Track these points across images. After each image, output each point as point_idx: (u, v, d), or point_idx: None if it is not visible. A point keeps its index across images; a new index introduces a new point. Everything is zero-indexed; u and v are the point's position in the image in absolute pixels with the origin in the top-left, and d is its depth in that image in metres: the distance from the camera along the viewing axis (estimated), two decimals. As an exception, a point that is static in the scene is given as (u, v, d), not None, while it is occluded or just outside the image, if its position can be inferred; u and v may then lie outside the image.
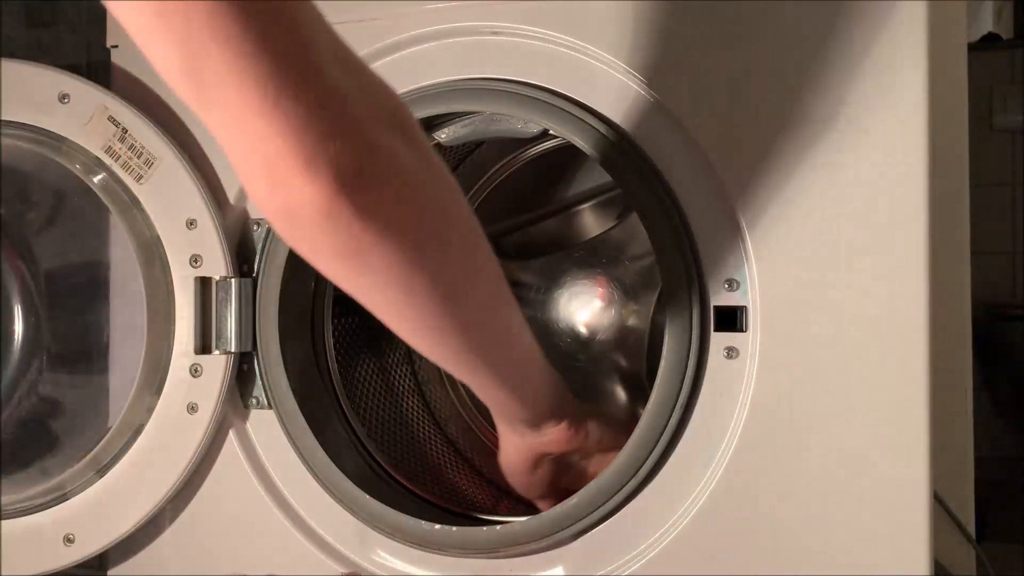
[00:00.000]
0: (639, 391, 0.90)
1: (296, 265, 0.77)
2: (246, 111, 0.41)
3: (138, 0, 0.40)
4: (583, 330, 0.91)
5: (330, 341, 0.84)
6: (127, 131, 0.78)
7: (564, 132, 0.68)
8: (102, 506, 0.79)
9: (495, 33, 0.71)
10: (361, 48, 0.74)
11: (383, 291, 0.50)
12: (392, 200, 0.45)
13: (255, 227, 0.79)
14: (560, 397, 0.67)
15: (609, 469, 0.65)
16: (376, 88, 0.47)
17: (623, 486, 0.65)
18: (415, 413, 0.94)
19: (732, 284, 0.64)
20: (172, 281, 0.79)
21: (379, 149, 0.44)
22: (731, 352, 0.63)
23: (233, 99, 0.41)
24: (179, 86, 0.42)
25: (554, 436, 0.67)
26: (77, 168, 0.80)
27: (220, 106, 0.42)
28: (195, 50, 0.40)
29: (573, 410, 0.68)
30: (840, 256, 0.61)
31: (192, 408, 0.77)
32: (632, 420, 0.69)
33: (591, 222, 0.95)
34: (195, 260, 0.78)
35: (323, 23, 0.45)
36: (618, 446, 0.67)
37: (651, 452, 0.64)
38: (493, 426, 0.98)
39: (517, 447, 0.69)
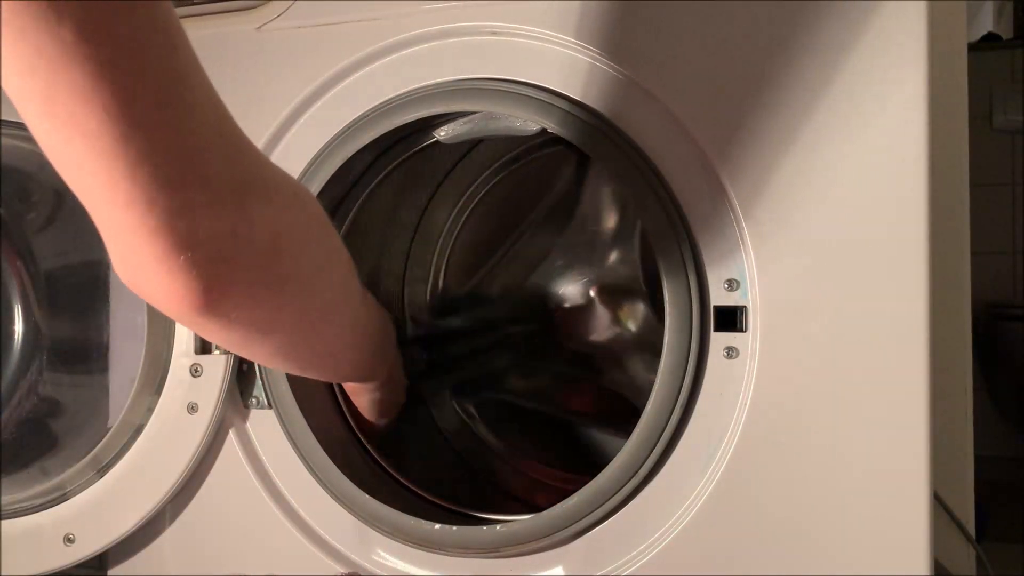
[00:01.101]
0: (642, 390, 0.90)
1: (296, 265, 0.77)
2: (102, 202, 0.40)
3: (10, 63, 0.38)
4: (575, 332, 0.92)
5: (330, 341, 0.84)
6: (127, 131, 0.78)
7: (563, 132, 0.68)
8: (102, 506, 0.79)
9: (495, 33, 0.71)
10: (361, 48, 0.74)
11: (229, 347, 0.55)
12: (239, 308, 0.45)
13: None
14: (367, 378, 0.74)
15: (609, 469, 0.65)
16: (260, 196, 0.44)
17: (623, 486, 0.65)
18: (414, 412, 0.94)
19: (732, 284, 0.64)
20: (172, 281, 0.79)
21: (238, 265, 0.44)
22: (731, 352, 0.63)
23: (93, 189, 0.40)
24: (49, 158, 0.41)
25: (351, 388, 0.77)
26: (77, 168, 0.80)
27: (78, 187, 0.41)
28: (56, 132, 0.39)
29: (373, 381, 0.75)
30: (840, 256, 0.61)
31: (192, 408, 0.77)
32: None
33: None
34: (195, 260, 0.78)
35: (217, 124, 0.42)
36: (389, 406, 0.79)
37: (651, 452, 0.64)
38: (492, 427, 0.98)
39: None
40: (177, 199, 0.40)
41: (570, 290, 0.92)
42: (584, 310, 0.92)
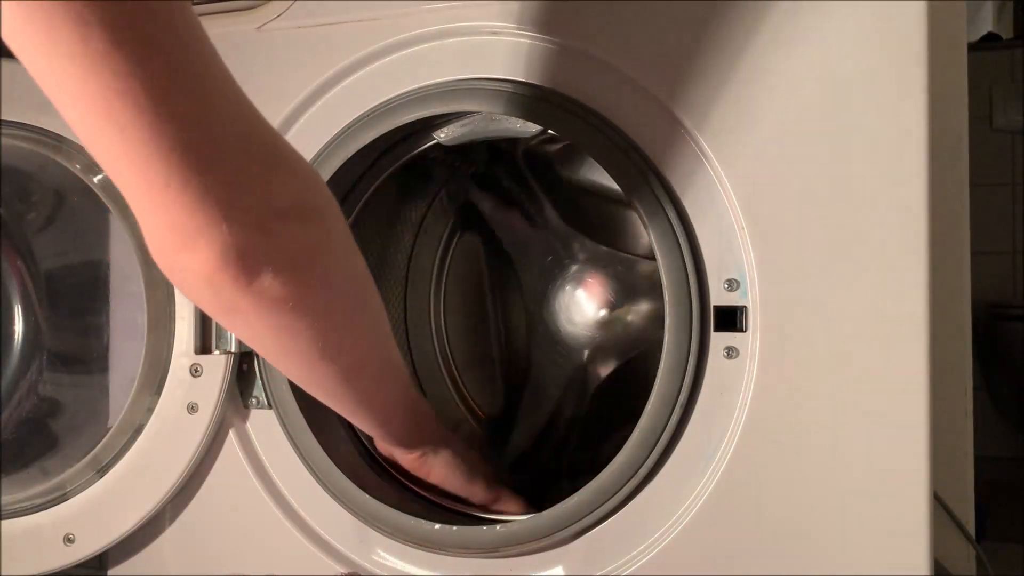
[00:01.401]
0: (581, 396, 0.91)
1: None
2: (139, 186, 0.43)
3: (47, 66, 0.41)
4: (576, 321, 0.92)
5: (330, 341, 0.84)
6: (127, 131, 0.78)
7: (564, 133, 0.68)
8: (102, 506, 0.79)
9: (495, 33, 0.71)
10: (361, 48, 0.74)
11: (260, 343, 0.54)
12: (273, 277, 0.47)
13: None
14: (419, 434, 0.71)
15: (609, 469, 0.65)
16: (284, 170, 0.47)
17: (623, 486, 0.65)
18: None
19: (732, 284, 0.64)
20: (172, 281, 0.79)
21: (268, 233, 0.46)
22: (731, 352, 0.63)
23: (127, 175, 0.43)
24: (85, 147, 0.43)
25: (401, 458, 0.73)
26: (77, 168, 0.80)
27: (116, 175, 0.44)
28: (93, 126, 0.41)
29: (428, 445, 0.72)
30: (840, 256, 0.61)
31: (192, 408, 0.77)
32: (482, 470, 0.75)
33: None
34: (195, 260, 0.78)
35: (238, 107, 0.45)
36: (468, 488, 0.73)
37: (651, 452, 0.64)
38: (492, 429, 0.98)
39: (378, 442, 0.75)
40: (212, 177, 0.43)
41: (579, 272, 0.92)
42: (577, 297, 0.92)
